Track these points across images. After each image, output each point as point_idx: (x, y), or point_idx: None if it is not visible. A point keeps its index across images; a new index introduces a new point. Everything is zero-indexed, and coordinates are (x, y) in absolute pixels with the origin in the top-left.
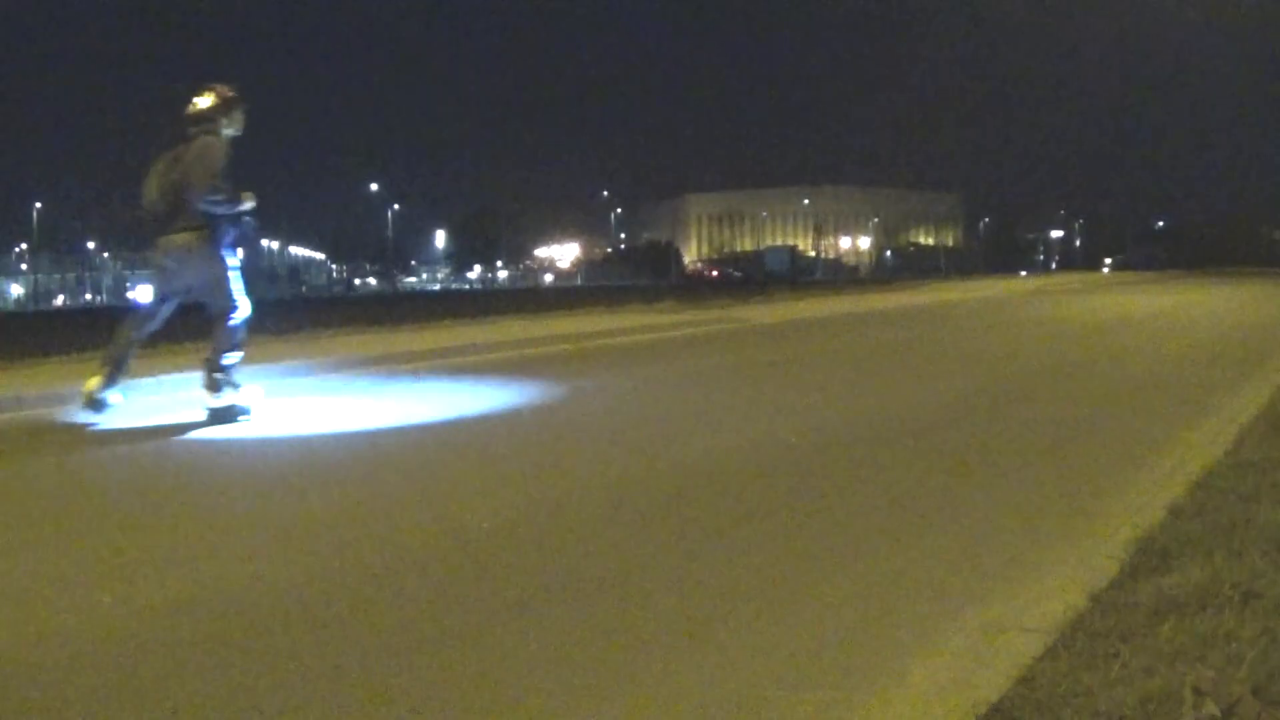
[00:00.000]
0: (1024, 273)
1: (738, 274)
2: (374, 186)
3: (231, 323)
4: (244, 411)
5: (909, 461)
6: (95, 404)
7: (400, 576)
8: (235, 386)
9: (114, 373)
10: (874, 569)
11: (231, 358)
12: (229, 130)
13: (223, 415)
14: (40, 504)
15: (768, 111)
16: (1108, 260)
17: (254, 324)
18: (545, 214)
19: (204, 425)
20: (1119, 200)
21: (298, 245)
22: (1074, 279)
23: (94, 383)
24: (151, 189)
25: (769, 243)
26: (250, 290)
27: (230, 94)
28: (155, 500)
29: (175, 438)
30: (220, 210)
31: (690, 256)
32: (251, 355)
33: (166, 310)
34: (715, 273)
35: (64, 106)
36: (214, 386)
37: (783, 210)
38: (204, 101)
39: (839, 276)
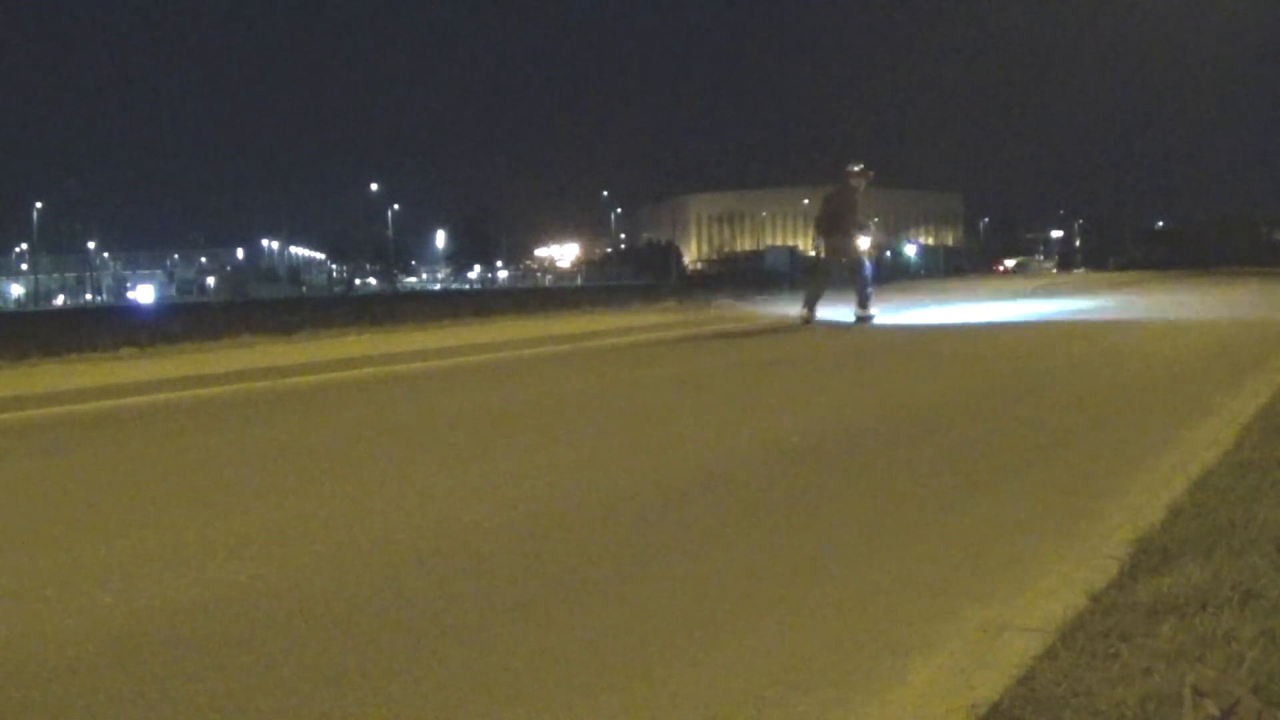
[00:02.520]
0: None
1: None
2: (374, 186)
3: (868, 279)
4: (873, 318)
5: (909, 461)
6: (805, 320)
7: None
8: (869, 306)
9: (813, 304)
10: (874, 569)
11: (870, 294)
12: (858, 185)
13: (866, 319)
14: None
15: (768, 111)
16: (1008, 262)
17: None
18: (545, 214)
19: (860, 324)
20: (1119, 200)
21: (298, 245)
22: (1075, 279)
23: (802, 313)
24: (826, 213)
25: (769, 243)
26: (248, 290)
27: (866, 169)
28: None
29: (854, 327)
30: (866, 229)
31: (690, 256)
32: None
33: (835, 279)
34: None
35: (64, 106)
36: (864, 305)
37: (783, 210)
38: (858, 168)
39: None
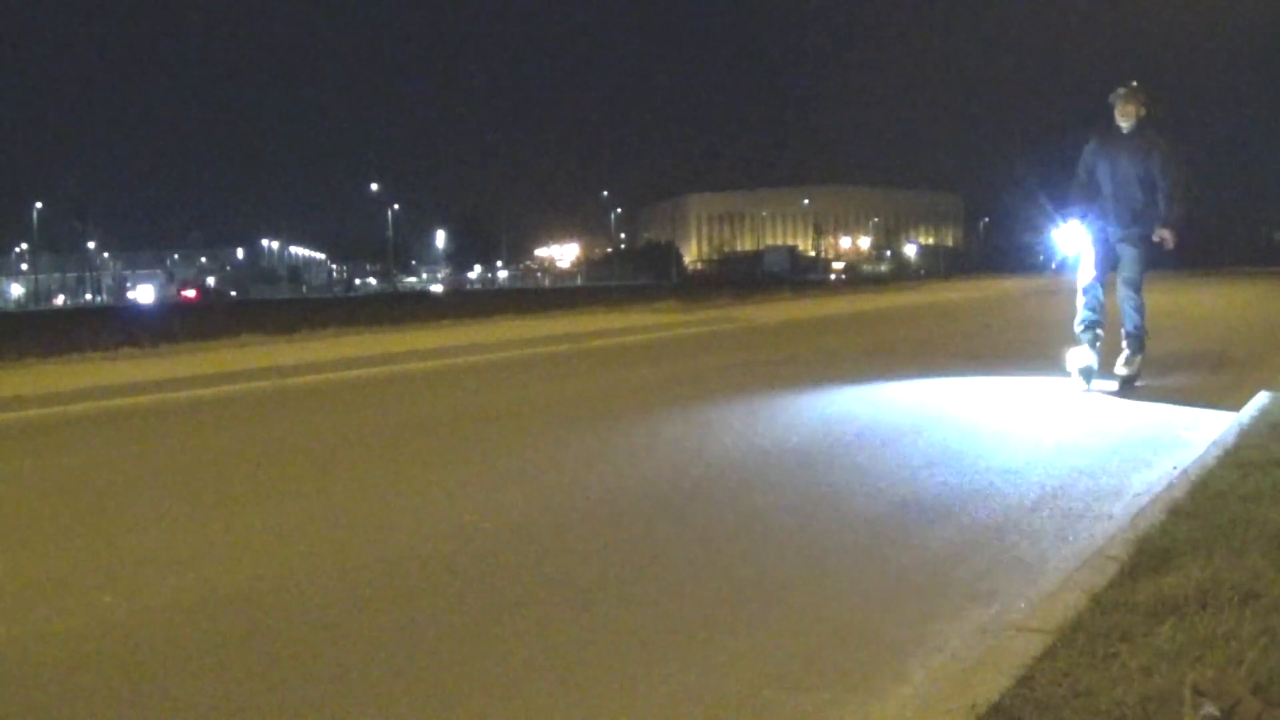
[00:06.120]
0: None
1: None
2: (374, 186)
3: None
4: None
5: (909, 460)
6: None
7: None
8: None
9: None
10: (874, 569)
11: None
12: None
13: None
14: None
15: (768, 111)
16: (838, 266)
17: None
18: (545, 214)
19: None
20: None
21: (298, 245)
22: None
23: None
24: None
25: (769, 243)
26: (248, 290)
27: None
28: None
29: None
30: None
31: (690, 256)
32: None
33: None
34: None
35: (64, 106)
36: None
37: (783, 210)
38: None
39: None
